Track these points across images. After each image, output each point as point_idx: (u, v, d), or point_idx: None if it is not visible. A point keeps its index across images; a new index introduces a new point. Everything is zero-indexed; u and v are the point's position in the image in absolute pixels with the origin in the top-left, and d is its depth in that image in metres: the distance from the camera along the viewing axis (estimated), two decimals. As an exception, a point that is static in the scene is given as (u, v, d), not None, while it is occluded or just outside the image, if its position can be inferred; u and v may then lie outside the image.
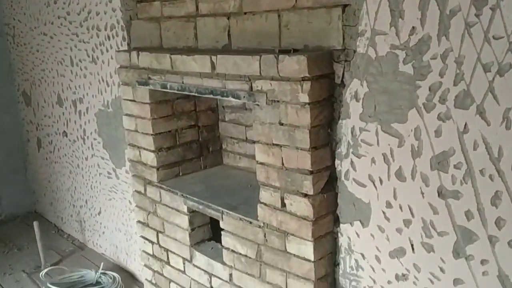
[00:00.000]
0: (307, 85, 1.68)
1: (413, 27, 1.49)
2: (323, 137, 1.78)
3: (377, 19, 1.58)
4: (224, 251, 2.21)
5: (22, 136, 4.50)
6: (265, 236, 1.99)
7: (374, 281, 1.79)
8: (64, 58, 3.51)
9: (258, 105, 1.86)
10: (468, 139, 1.44)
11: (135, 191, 2.71)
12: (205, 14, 2.18)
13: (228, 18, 2.09)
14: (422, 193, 1.58)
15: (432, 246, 1.59)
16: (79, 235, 4.00)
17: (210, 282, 2.36)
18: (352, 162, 1.76)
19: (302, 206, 1.81)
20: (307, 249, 1.83)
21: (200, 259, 2.39)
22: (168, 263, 2.61)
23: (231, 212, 2.12)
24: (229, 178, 2.50)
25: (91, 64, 3.21)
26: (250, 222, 2.04)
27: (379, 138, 1.66)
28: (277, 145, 1.84)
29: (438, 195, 1.54)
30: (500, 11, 1.30)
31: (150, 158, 2.52)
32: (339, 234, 1.87)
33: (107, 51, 3.00)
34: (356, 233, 1.80)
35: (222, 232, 2.20)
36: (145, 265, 2.80)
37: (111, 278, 3.14)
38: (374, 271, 1.78)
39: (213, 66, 2.00)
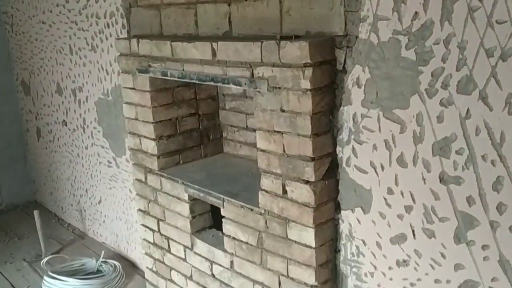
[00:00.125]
0: (308, 72, 1.68)
1: (416, 12, 1.49)
2: (325, 123, 1.78)
3: (379, 5, 1.58)
4: (225, 238, 2.22)
5: (22, 126, 4.49)
6: (266, 223, 1.99)
7: (375, 267, 1.80)
8: (63, 47, 3.49)
9: (259, 92, 1.85)
10: (470, 124, 1.44)
11: (136, 179, 2.71)
12: (206, 0, 2.17)
13: (228, 5, 2.07)
14: (424, 179, 1.58)
15: (433, 232, 1.60)
16: (79, 224, 4.00)
17: (211, 270, 2.37)
18: (353, 148, 1.76)
19: (303, 193, 1.81)
20: (308, 236, 1.84)
21: (201, 246, 2.40)
22: (169, 251, 2.62)
23: (232, 200, 2.12)
24: (230, 166, 2.50)
25: (91, 52, 3.19)
26: (251, 209, 2.04)
27: (381, 124, 1.66)
28: (278, 132, 1.84)
29: (440, 181, 1.54)
30: (504, -5, 1.30)
31: (151, 146, 2.52)
32: (340, 221, 1.87)
33: (107, 39, 2.99)
34: (357, 220, 1.81)
35: (223, 220, 2.21)
36: (146, 253, 2.81)
37: (112, 267, 3.15)
38: (375, 257, 1.79)
39: (214, 53, 2.00)
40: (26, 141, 4.49)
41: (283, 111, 1.79)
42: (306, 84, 1.69)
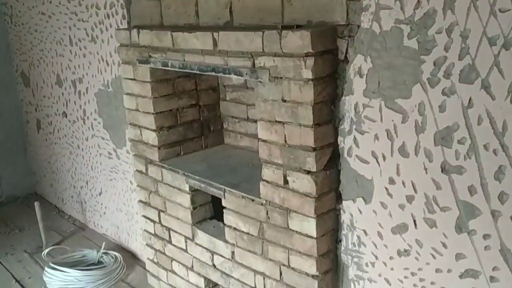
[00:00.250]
0: (310, 61, 1.67)
1: (418, 1, 1.48)
2: (326, 113, 1.77)
3: (382, -6, 1.57)
4: (226, 229, 2.22)
5: (21, 118, 4.48)
6: (267, 214, 1.99)
7: (376, 257, 1.80)
8: (63, 38, 3.48)
9: (260, 82, 1.85)
10: (473, 114, 1.43)
11: (136, 170, 2.71)
12: (206, -10, 2.16)
13: (229, -5, 2.06)
14: (426, 169, 1.58)
15: (434, 221, 1.60)
16: (80, 215, 4.01)
17: (212, 260, 2.37)
18: (355, 138, 1.76)
19: (304, 183, 1.81)
20: (310, 226, 1.84)
21: (202, 237, 2.40)
22: (170, 241, 2.63)
23: (233, 190, 2.12)
24: (231, 157, 2.50)
25: (91, 43, 3.18)
26: (252, 200, 2.04)
27: (383, 114, 1.65)
28: (279, 122, 1.83)
29: (442, 171, 1.54)
30: (507, -16, 1.29)
31: (151, 137, 2.51)
32: (341, 211, 1.87)
33: (107, 29, 2.97)
34: (359, 210, 1.81)
35: (224, 210, 2.21)
36: (147, 244, 2.82)
37: (112, 258, 3.16)
38: (376, 247, 1.79)
39: (214, 43, 1.99)
40: (26, 133, 4.49)
41: (284, 101, 1.79)
42: (307, 74, 1.69)
